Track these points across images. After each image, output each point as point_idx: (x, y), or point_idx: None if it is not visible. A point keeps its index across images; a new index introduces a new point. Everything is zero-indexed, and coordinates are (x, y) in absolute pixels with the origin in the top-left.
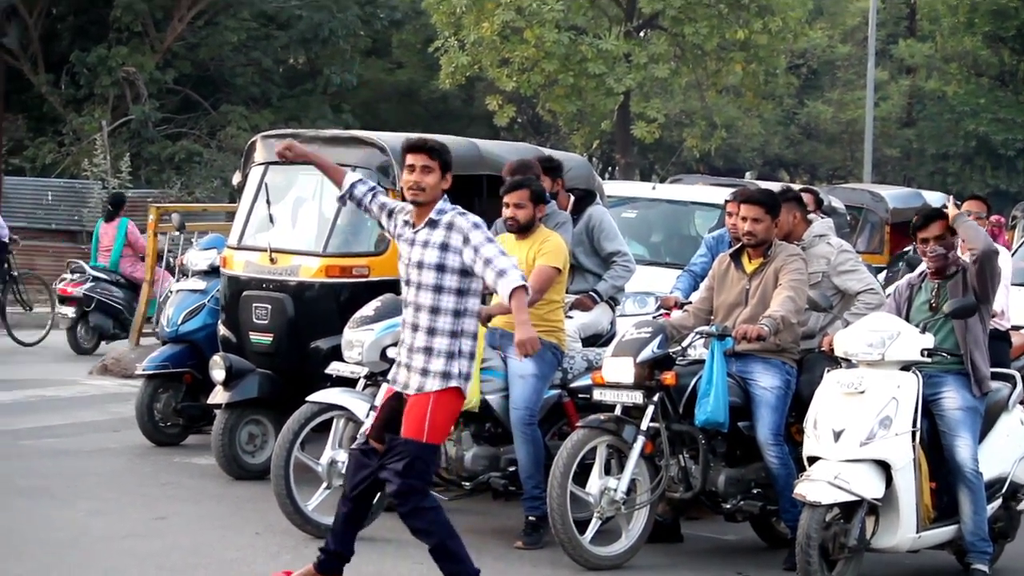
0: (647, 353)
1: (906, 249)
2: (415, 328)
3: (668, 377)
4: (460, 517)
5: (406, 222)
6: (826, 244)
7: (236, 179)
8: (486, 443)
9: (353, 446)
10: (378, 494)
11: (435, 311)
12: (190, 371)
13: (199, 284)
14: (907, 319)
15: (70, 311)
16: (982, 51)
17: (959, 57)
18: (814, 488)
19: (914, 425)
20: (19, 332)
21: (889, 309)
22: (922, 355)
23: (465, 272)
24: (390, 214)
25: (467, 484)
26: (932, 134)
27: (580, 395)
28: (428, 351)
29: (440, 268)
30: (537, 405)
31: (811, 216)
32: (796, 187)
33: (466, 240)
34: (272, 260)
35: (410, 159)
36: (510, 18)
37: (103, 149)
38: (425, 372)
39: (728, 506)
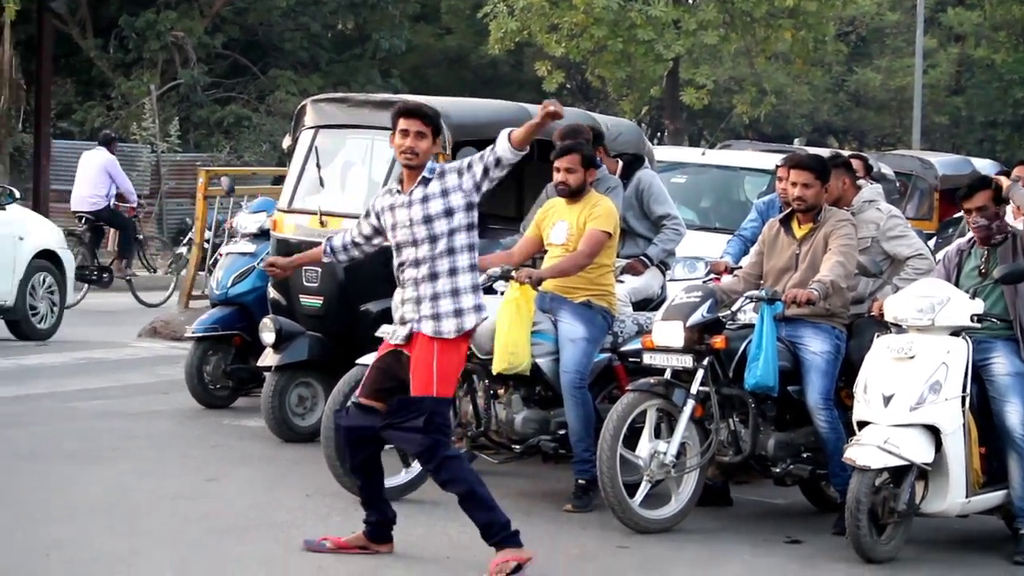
0: (697, 317)
1: (955, 216)
2: (433, 277)
3: (718, 341)
4: (510, 480)
5: (393, 192)
6: (875, 209)
7: (286, 143)
8: (536, 406)
9: (348, 403)
10: (381, 449)
11: (451, 252)
12: (240, 334)
13: (249, 247)
14: (956, 285)
15: None
16: None
17: (1008, 25)
18: (864, 452)
19: (964, 390)
20: (142, 293)
21: (938, 275)
22: (972, 321)
23: (471, 205)
24: (375, 215)
25: (517, 447)
26: (981, 102)
27: (630, 359)
28: (455, 292)
29: (448, 213)
30: (587, 368)
31: (860, 182)
32: (845, 153)
33: (459, 172)
34: (322, 223)
35: (404, 124)
36: None
37: (152, 113)
38: (437, 317)
39: (778, 470)
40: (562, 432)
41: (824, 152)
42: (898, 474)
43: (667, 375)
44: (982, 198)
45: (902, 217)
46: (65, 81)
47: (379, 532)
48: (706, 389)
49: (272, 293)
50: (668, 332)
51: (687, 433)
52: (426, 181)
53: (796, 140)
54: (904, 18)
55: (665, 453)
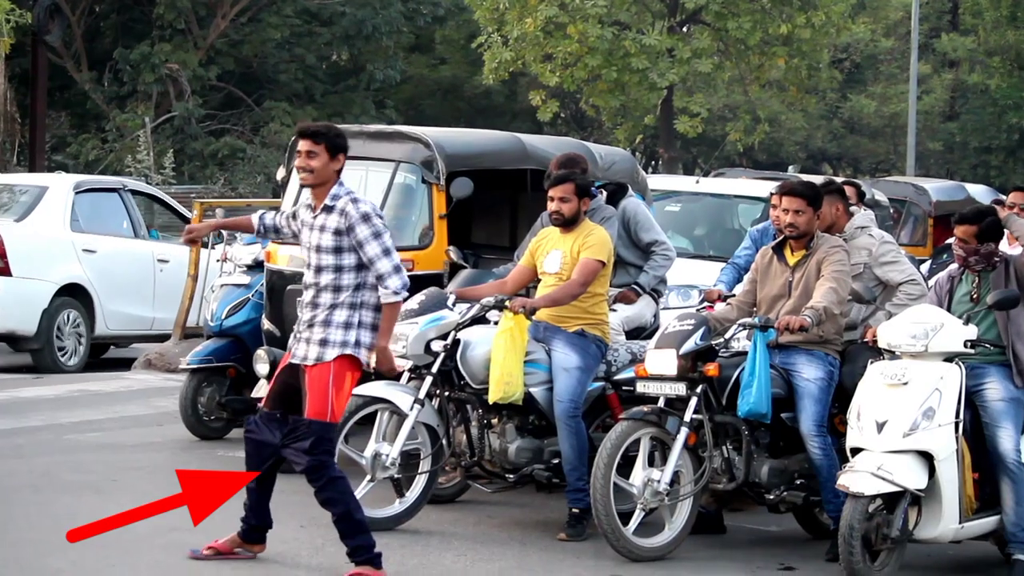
0: (690, 345)
1: (949, 242)
2: (315, 306)
3: (711, 369)
4: (504, 509)
5: (308, 206)
6: (868, 236)
7: (280, 174)
8: (530, 435)
9: (254, 417)
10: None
11: (337, 289)
12: (234, 365)
13: (243, 279)
14: (948, 310)
15: None
16: None
17: (1002, 51)
18: (857, 479)
19: (957, 416)
20: None
21: (930, 301)
22: (965, 346)
23: (359, 255)
24: (293, 216)
25: (511, 476)
26: (975, 127)
27: (624, 387)
28: (327, 323)
29: (338, 251)
30: (581, 397)
31: (853, 208)
32: (839, 180)
33: (350, 230)
34: None
35: (300, 145)
36: (553, 13)
37: (146, 146)
38: (324, 342)
39: (771, 497)
40: (556, 461)
41: (818, 179)
42: (891, 500)
43: (661, 403)
44: (965, 232)
45: (894, 243)
46: (60, 114)
47: (254, 535)
48: (699, 417)
49: (266, 324)
50: (661, 360)
51: (681, 461)
52: (328, 209)
53: (790, 167)
54: (898, 45)
55: (659, 481)
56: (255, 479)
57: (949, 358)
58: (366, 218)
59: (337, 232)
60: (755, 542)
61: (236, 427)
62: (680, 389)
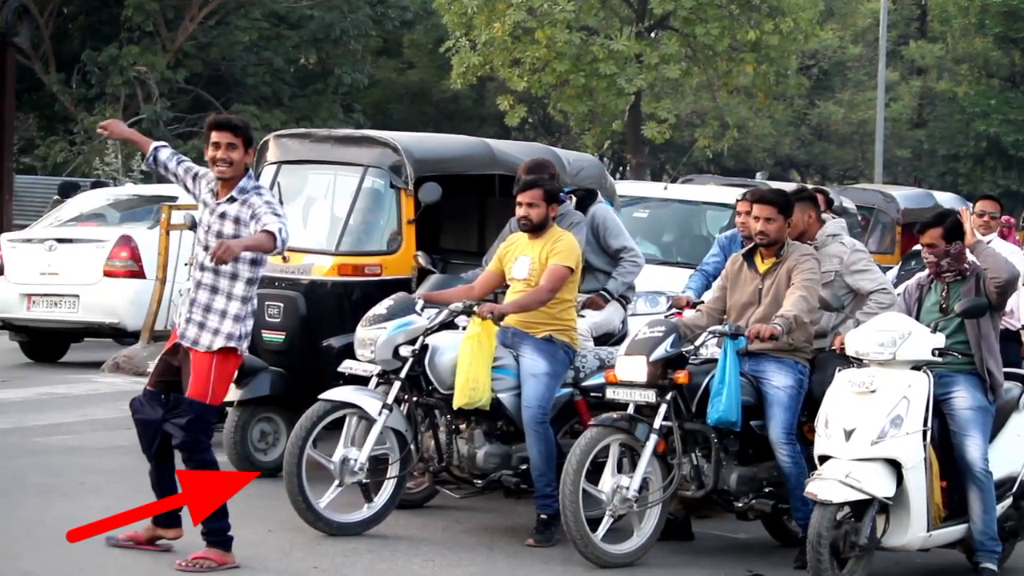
0: (660, 352)
1: (917, 249)
2: (213, 290)
3: (681, 376)
4: (472, 515)
5: (212, 191)
6: (839, 244)
7: None
8: (498, 441)
9: (137, 397)
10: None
11: (233, 277)
12: None
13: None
14: (917, 319)
15: None
16: (993, 52)
17: (970, 58)
18: (825, 487)
19: (925, 424)
20: None
21: (899, 309)
22: (933, 355)
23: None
24: (195, 177)
25: (479, 482)
26: (943, 135)
27: (592, 393)
28: (222, 313)
29: (259, 218)
30: (549, 403)
31: (824, 216)
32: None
33: (254, 217)
34: (284, 259)
35: (215, 136)
36: (521, 18)
37: (114, 148)
38: (216, 332)
39: (740, 505)
40: (524, 467)
41: (788, 186)
42: (859, 508)
43: (630, 410)
44: (931, 236)
45: (865, 251)
46: (28, 116)
47: (167, 518)
48: (669, 424)
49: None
50: (631, 367)
51: (650, 468)
52: (232, 200)
53: (758, 174)
54: (866, 51)
55: (628, 488)
56: (153, 458)
57: (917, 366)
58: (269, 204)
59: (237, 221)
60: (723, 549)
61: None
62: (650, 396)
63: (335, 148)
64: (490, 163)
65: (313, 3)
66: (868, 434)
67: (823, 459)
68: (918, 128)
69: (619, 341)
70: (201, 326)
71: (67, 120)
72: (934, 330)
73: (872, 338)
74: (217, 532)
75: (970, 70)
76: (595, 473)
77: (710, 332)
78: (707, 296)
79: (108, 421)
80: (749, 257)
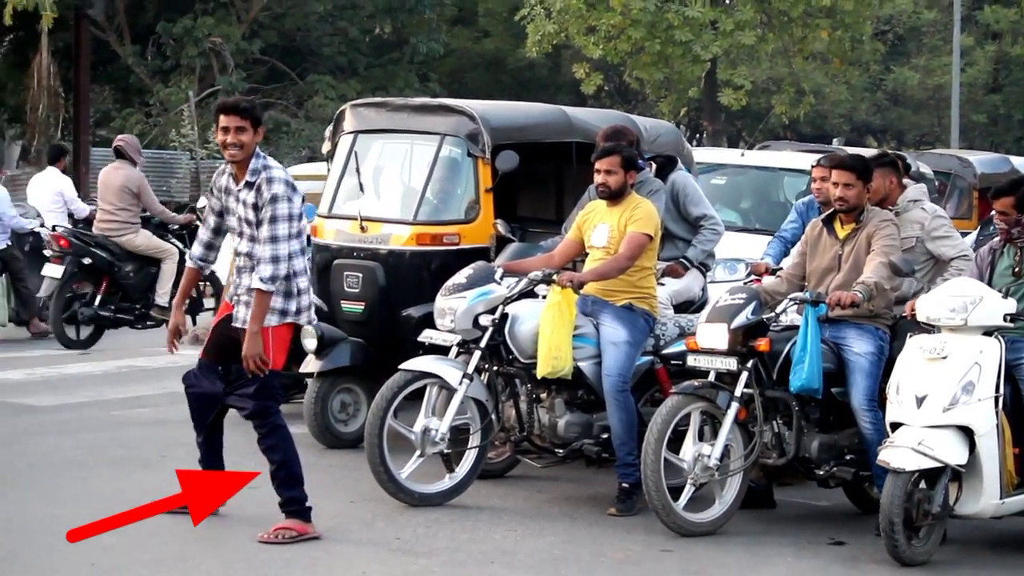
0: (741, 319)
1: (993, 213)
2: (253, 270)
3: (762, 344)
4: (553, 485)
5: (230, 175)
6: (920, 209)
7: (325, 147)
8: (579, 410)
9: (192, 370)
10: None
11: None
12: None
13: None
14: (989, 284)
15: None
16: None
17: None
18: (898, 454)
19: (997, 391)
20: None
21: (971, 274)
22: (1004, 320)
23: (295, 217)
24: (213, 190)
25: (560, 451)
26: (1019, 99)
27: (672, 361)
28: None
29: (259, 224)
30: (630, 372)
31: (905, 181)
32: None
33: (259, 207)
34: (363, 229)
35: (224, 121)
36: None
37: (190, 120)
38: (249, 305)
39: (821, 472)
40: (605, 436)
41: (865, 152)
42: (932, 476)
43: (711, 377)
44: (1003, 204)
45: (946, 217)
46: (103, 88)
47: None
48: (750, 391)
49: (313, 299)
50: (712, 334)
51: (731, 436)
52: (250, 185)
53: (835, 140)
54: (941, 16)
55: (709, 456)
56: (203, 433)
57: (989, 332)
58: (274, 199)
59: (255, 207)
60: (805, 517)
61: (284, 402)
62: (731, 364)
63: (412, 117)
64: (567, 131)
65: None
66: (940, 401)
67: (895, 426)
68: (994, 93)
69: (699, 309)
70: (248, 305)
71: (143, 92)
72: (1006, 295)
73: (943, 303)
74: (293, 501)
75: None
76: (675, 442)
77: (791, 299)
78: (785, 262)
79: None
80: (829, 223)
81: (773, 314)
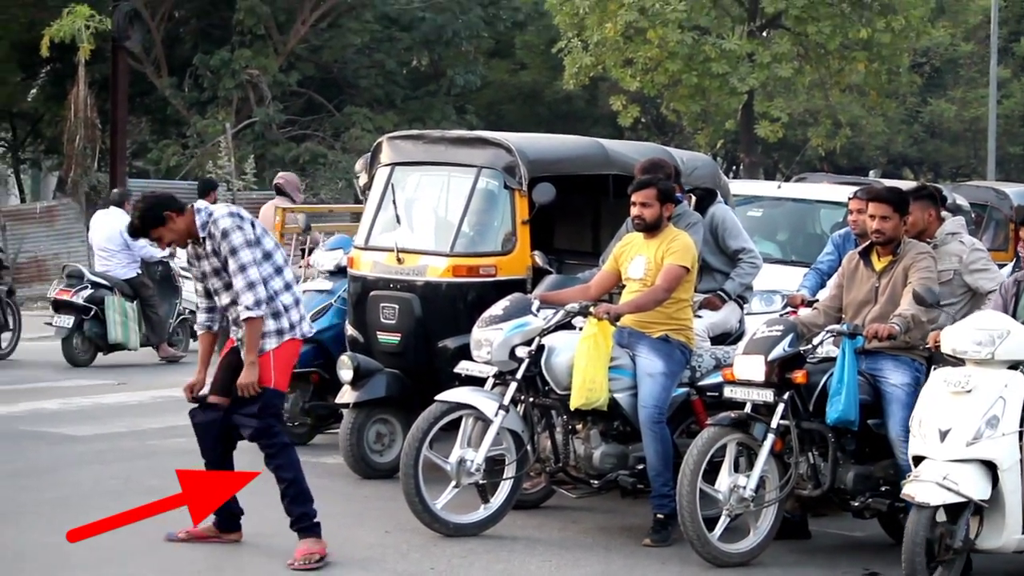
0: (778, 351)
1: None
2: (237, 320)
3: (799, 376)
4: (588, 515)
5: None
6: (958, 242)
7: (362, 180)
8: (614, 441)
9: (193, 408)
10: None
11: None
12: (317, 371)
13: (326, 284)
14: (1013, 315)
15: (67, 320)
16: None
17: None
18: (923, 489)
19: (1021, 425)
20: None
21: (995, 305)
22: None
23: (252, 243)
24: (189, 264)
25: (595, 482)
26: None
27: (708, 393)
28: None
29: (225, 269)
30: (666, 403)
31: (944, 214)
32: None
33: (215, 251)
34: (399, 260)
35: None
36: (633, 18)
37: (227, 151)
38: (262, 336)
39: (856, 503)
40: (640, 467)
41: (901, 184)
42: (954, 510)
43: (747, 409)
44: None
45: (984, 250)
46: (140, 120)
47: (228, 523)
48: (786, 423)
49: (349, 330)
50: (749, 366)
51: (767, 467)
52: (201, 240)
53: (871, 172)
54: (978, 49)
55: (745, 487)
56: (215, 466)
57: (1013, 365)
58: (225, 235)
59: (215, 252)
60: (839, 547)
61: (320, 433)
62: (767, 395)
63: (448, 149)
64: (604, 163)
65: (425, 5)
66: (963, 435)
67: (917, 460)
68: None
69: (735, 341)
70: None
71: (179, 124)
72: None
73: (969, 336)
74: (305, 518)
75: None
76: (711, 473)
77: (828, 331)
78: (821, 294)
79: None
80: (865, 255)
81: (810, 346)
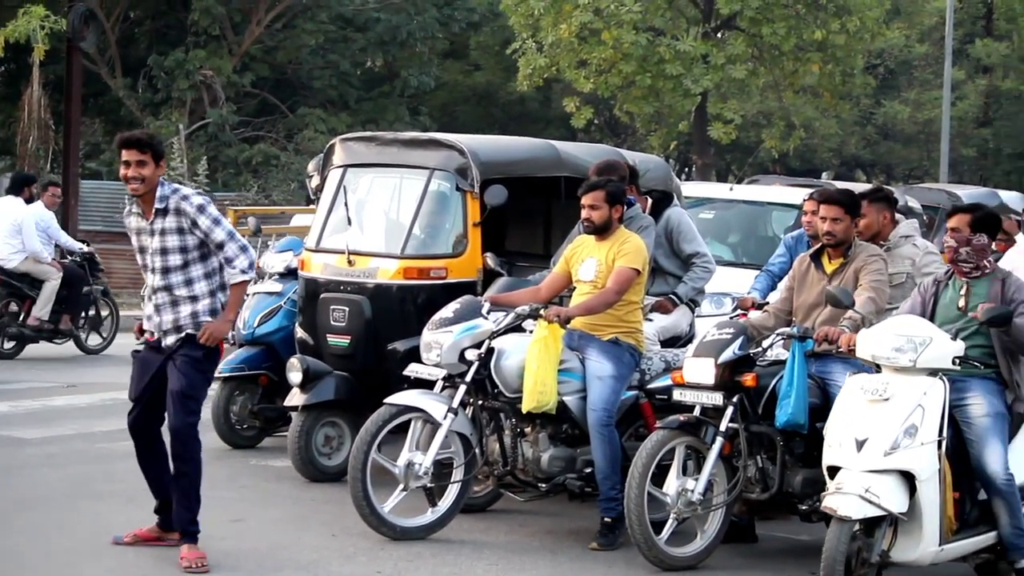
0: (728, 354)
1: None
2: (175, 304)
3: (748, 379)
4: (536, 519)
5: (137, 213)
6: (911, 245)
7: (314, 181)
8: (563, 444)
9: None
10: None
11: (189, 283)
12: (266, 373)
13: (275, 287)
14: (932, 316)
15: None
16: None
17: None
18: (844, 502)
19: (940, 434)
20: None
21: (912, 305)
22: (954, 363)
23: (204, 244)
24: (129, 224)
25: (543, 486)
26: (1009, 133)
27: (657, 396)
28: (194, 315)
29: (183, 249)
30: (615, 406)
31: (897, 217)
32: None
33: (194, 224)
34: (350, 262)
35: (125, 155)
36: (588, 20)
37: (180, 152)
38: (199, 326)
39: (804, 507)
40: (588, 470)
41: (854, 186)
42: (871, 522)
43: (696, 412)
44: (958, 220)
45: (938, 253)
46: (94, 121)
47: (166, 520)
48: (735, 426)
49: (299, 332)
50: (699, 369)
51: (715, 470)
52: (162, 213)
53: (824, 174)
54: (932, 50)
55: (693, 490)
56: (146, 462)
57: (932, 371)
58: (201, 209)
59: (179, 231)
60: (787, 551)
61: (269, 436)
62: (717, 398)
63: (401, 151)
64: (556, 165)
65: (380, 6)
66: (881, 444)
67: (832, 470)
68: (984, 127)
69: (686, 344)
70: (178, 332)
71: (133, 125)
72: (955, 336)
73: (889, 342)
74: (194, 522)
75: None
76: (659, 476)
77: (778, 334)
78: (772, 297)
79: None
80: (816, 258)
81: (760, 349)
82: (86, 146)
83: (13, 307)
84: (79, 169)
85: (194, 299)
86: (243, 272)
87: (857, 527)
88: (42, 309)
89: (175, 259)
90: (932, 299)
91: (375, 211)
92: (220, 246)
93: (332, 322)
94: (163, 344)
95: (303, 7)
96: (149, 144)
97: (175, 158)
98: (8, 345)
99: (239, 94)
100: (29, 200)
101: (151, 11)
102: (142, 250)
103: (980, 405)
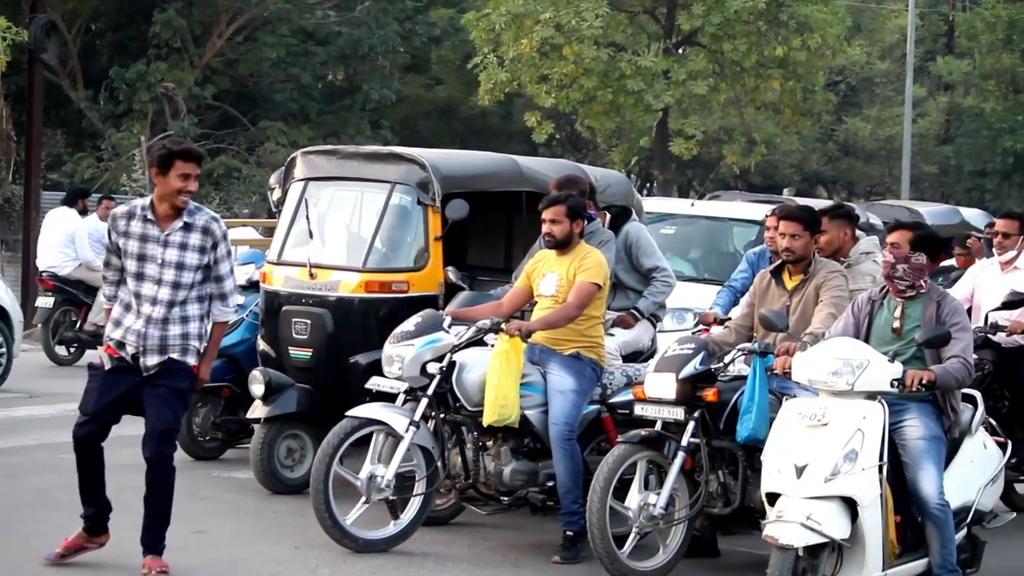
0: (689, 369)
1: (944, 265)
2: (166, 322)
3: (710, 393)
4: (498, 532)
5: (151, 221)
6: (872, 262)
7: (276, 195)
8: (525, 458)
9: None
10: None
11: (187, 303)
12: (229, 385)
13: (238, 299)
14: (867, 336)
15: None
16: (1020, 68)
17: (997, 74)
18: (786, 530)
19: (880, 458)
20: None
21: (846, 323)
22: (892, 386)
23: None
24: (114, 233)
25: (505, 499)
26: (970, 151)
27: (619, 410)
28: (185, 336)
29: (198, 268)
30: (576, 420)
31: (858, 233)
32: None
33: (214, 247)
34: (312, 275)
35: (187, 168)
36: (549, 35)
37: (142, 164)
38: (185, 351)
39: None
40: (550, 484)
41: (815, 202)
42: (815, 548)
43: (658, 427)
44: (899, 235)
45: None
46: (55, 132)
47: (97, 525)
48: (696, 441)
49: (261, 345)
50: (661, 384)
51: (677, 485)
52: (187, 228)
53: (785, 190)
54: (894, 67)
55: (655, 505)
56: (86, 468)
57: (871, 395)
58: (225, 236)
59: (202, 250)
60: (748, 566)
61: (231, 447)
62: (678, 413)
63: (362, 165)
64: (517, 180)
65: (341, 19)
66: (821, 470)
67: (771, 497)
68: (945, 144)
69: (648, 359)
70: (163, 352)
71: (95, 136)
72: (892, 358)
73: (825, 366)
74: (161, 540)
75: (997, 86)
76: (621, 490)
77: (739, 350)
78: (734, 312)
79: (133, 438)
80: (777, 274)
81: (721, 364)
82: (48, 157)
83: (71, 315)
84: (40, 180)
85: (186, 320)
86: (233, 312)
87: (800, 552)
88: (98, 315)
89: (188, 276)
90: (867, 319)
91: (337, 224)
92: (220, 279)
93: (294, 335)
94: (141, 363)
95: (264, 20)
96: (202, 158)
97: (137, 170)
98: (66, 351)
99: (200, 107)
100: (83, 212)
101: (113, 23)
102: (141, 258)
103: (917, 428)
